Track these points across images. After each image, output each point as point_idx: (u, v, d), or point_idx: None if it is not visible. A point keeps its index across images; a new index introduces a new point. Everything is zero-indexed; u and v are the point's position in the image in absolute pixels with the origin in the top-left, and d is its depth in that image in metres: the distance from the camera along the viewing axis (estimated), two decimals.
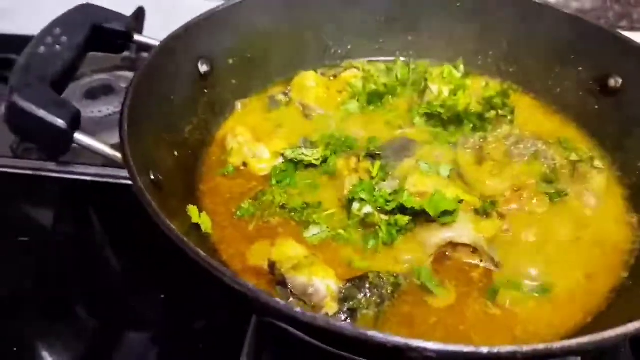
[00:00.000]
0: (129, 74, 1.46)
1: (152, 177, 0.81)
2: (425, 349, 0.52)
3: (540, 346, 0.53)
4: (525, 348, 0.53)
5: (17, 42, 0.98)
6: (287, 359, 0.85)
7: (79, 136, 0.77)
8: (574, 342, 0.54)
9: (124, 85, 1.44)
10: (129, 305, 0.98)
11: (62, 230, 1.17)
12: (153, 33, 1.08)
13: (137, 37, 1.02)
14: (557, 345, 0.54)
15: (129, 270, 1.08)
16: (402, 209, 0.85)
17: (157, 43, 0.98)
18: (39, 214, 1.21)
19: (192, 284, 0.98)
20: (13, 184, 1.23)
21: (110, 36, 0.98)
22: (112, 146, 0.81)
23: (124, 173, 1.21)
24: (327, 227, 0.88)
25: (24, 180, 1.23)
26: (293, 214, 0.91)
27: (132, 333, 0.94)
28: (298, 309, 0.55)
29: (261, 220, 0.90)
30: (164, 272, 1.03)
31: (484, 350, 0.52)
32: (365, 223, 0.87)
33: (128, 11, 1.19)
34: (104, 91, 1.45)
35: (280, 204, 0.91)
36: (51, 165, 1.25)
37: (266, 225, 0.90)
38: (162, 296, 0.99)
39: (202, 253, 0.62)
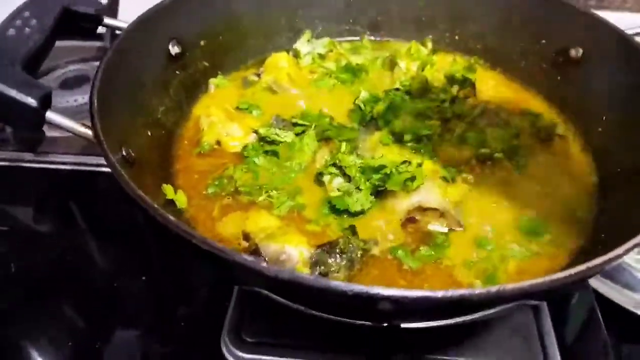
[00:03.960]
0: None
1: (125, 153, 0.82)
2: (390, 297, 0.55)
3: (493, 289, 0.56)
4: (478, 291, 0.56)
5: None
6: (268, 330, 0.87)
7: (50, 115, 0.79)
8: (526, 283, 0.57)
9: None
10: (112, 287, 1.00)
11: (42, 221, 1.17)
12: (129, 17, 1.08)
13: (107, 20, 1.03)
14: (510, 287, 0.57)
15: (109, 254, 1.09)
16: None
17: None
18: (18, 206, 1.21)
19: (173, 265, 1.01)
20: None
21: (80, 19, 0.99)
22: (84, 125, 0.82)
23: (102, 160, 1.23)
24: (289, 199, 0.90)
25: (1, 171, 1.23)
26: (248, 196, 0.91)
27: (119, 317, 0.95)
28: (263, 264, 0.57)
29: (228, 197, 0.91)
30: (144, 254, 1.05)
31: (439, 294, 0.55)
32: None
33: None
34: (78, 81, 1.46)
35: (236, 186, 0.92)
36: (28, 156, 1.26)
37: (237, 201, 0.91)
38: (144, 278, 1.01)
39: (172, 218, 0.64)
